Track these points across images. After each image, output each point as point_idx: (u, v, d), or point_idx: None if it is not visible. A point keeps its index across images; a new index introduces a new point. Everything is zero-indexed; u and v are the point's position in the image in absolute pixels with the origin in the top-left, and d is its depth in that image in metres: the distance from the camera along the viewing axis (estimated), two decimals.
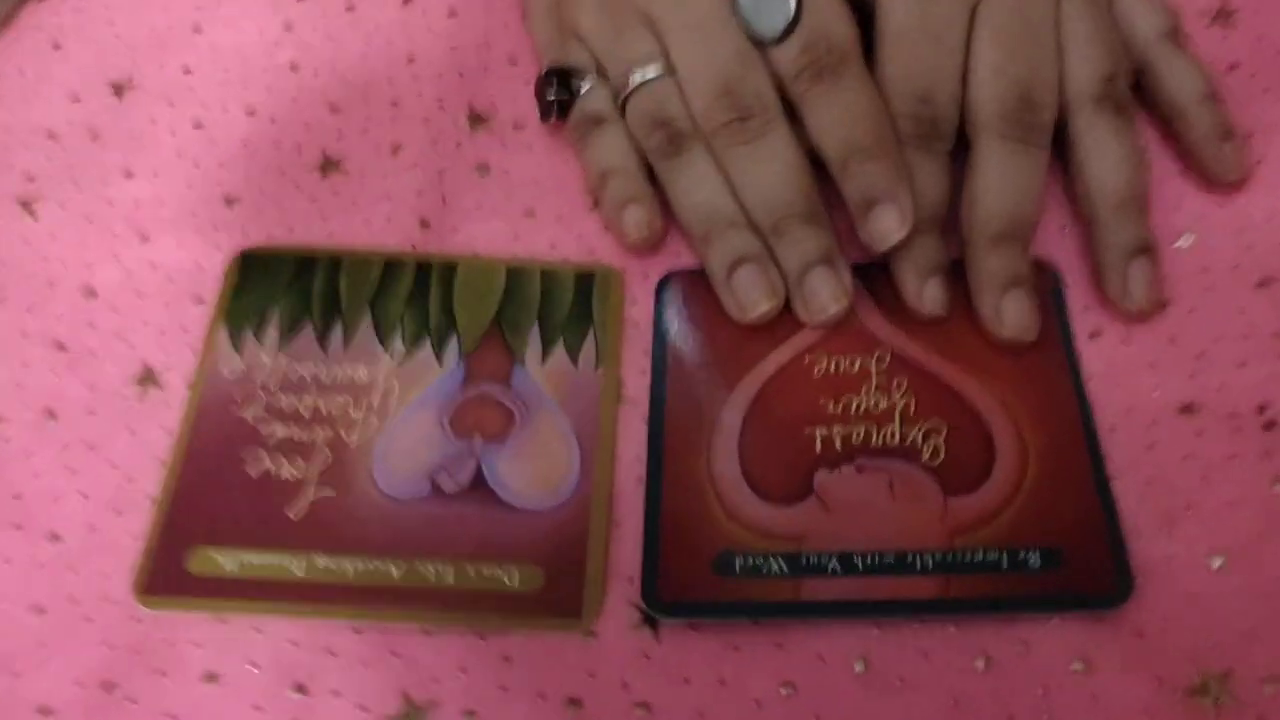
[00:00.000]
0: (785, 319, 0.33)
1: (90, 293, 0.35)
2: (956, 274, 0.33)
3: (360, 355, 0.33)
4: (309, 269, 0.35)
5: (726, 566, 0.28)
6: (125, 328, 0.34)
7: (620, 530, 0.30)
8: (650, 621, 0.28)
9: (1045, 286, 0.33)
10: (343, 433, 0.31)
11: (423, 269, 0.35)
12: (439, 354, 0.33)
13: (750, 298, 0.32)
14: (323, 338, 0.34)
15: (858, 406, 0.31)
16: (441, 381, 0.32)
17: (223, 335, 0.34)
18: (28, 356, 0.34)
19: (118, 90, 0.39)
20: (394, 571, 0.29)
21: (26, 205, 0.37)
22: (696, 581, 0.28)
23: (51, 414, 0.33)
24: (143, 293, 0.35)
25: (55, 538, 0.30)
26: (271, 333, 0.34)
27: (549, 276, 0.34)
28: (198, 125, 0.38)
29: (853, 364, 0.32)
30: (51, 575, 0.30)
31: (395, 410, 0.32)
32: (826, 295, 0.32)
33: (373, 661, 0.28)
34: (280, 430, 0.32)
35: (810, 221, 0.32)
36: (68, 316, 0.34)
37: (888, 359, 0.32)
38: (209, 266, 0.35)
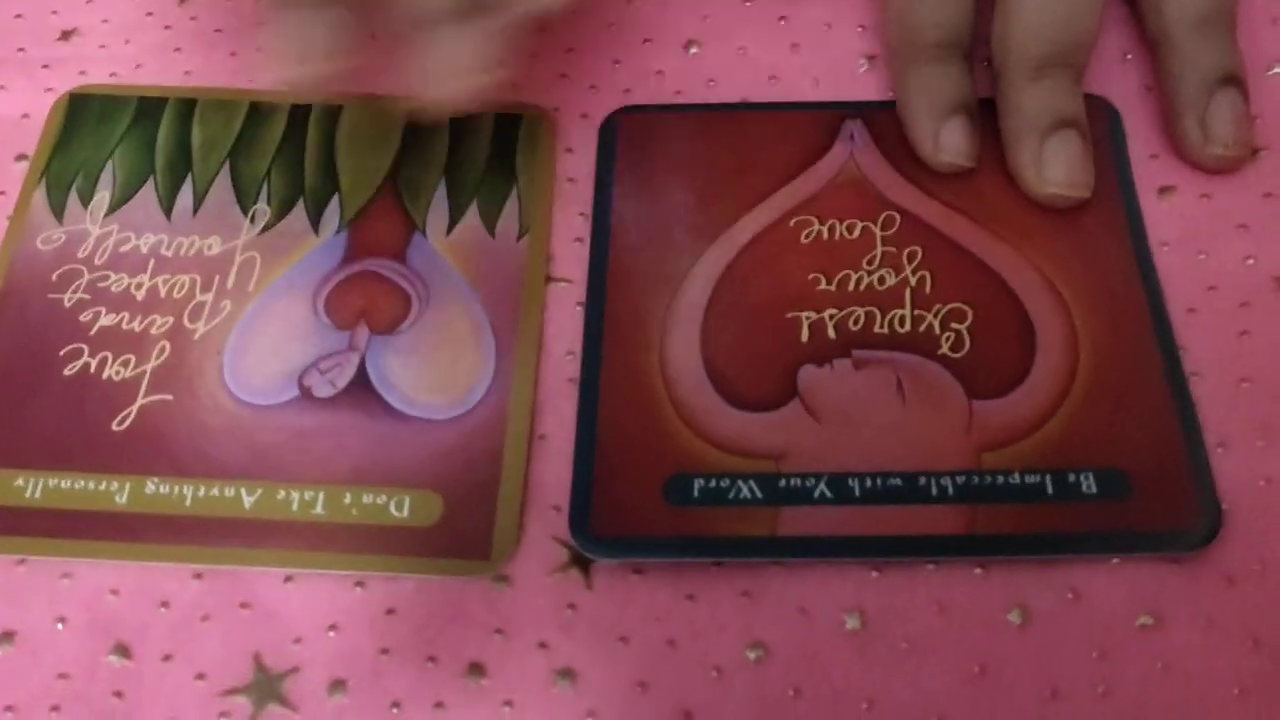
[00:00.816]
0: (763, 171, 0.26)
1: None
2: (986, 115, 0.25)
3: (213, 222, 0.26)
4: (153, 114, 0.27)
5: (682, 492, 0.22)
6: None
7: (547, 445, 0.23)
8: (581, 563, 0.22)
9: (1101, 129, 0.26)
10: (186, 321, 0.24)
11: (298, 113, 0.27)
12: (315, 221, 0.26)
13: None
14: (166, 201, 0.26)
15: (857, 283, 0.24)
16: (316, 255, 0.25)
17: (39, 198, 0.26)
18: None
19: None
20: (245, 499, 0.22)
21: None
22: (643, 511, 0.21)
23: None
24: None
25: None
26: (102, 195, 0.26)
27: (461, 122, 0.27)
28: None
29: (851, 229, 0.25)
30: None
31: (255, 292, 0.25)
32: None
33: (216, 616, 0.22)
34: (106, 318, 0.24)
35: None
36: None
37: (897, 223, 0.25)
38: (37, 114, 0.28)
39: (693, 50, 0.28)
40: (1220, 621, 0.20)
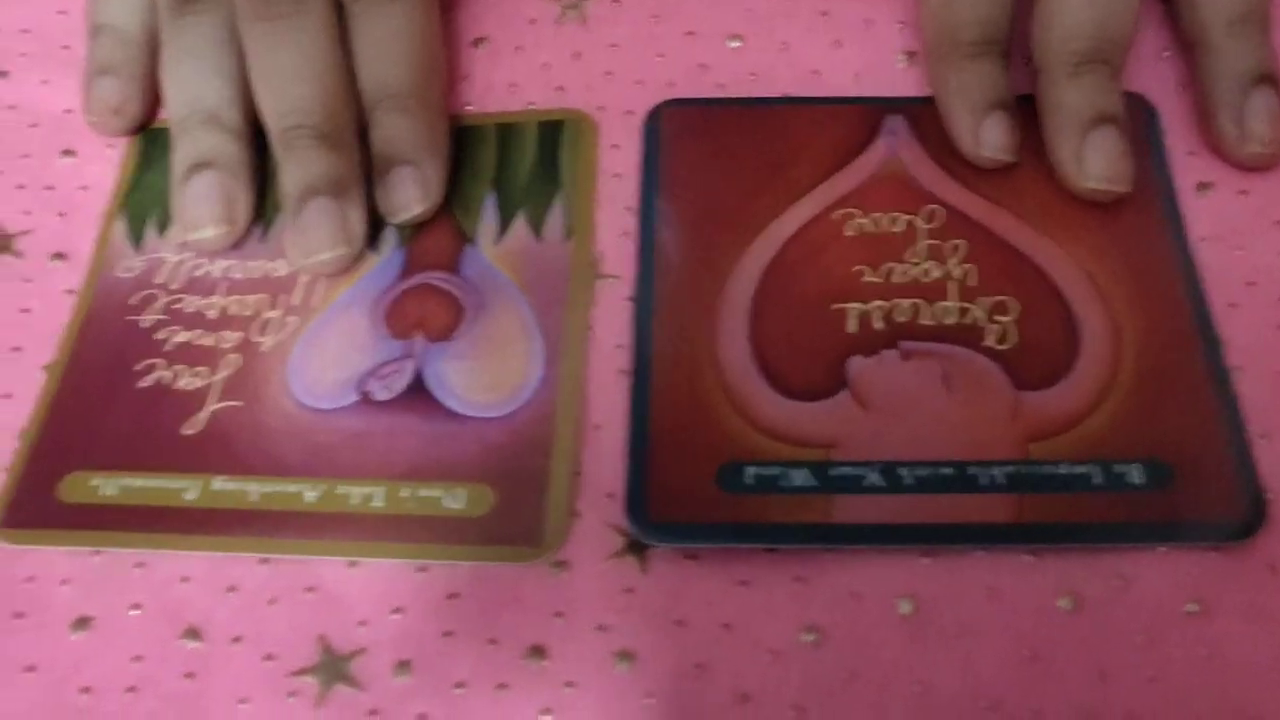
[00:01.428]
0: (806, 164, 0.26)
1: None
2: (1026, 111, 0.26)
3: (281, 247, 0.26)
4: None
5: (735, 479, 0.22)
6: None
7: (600, 435, 0.23)
8: (636, 548, 0.22)
9: (1139, 126, 0.26)
10: (255, 336, 0.25)
11: None
12: (373, 240, 0.26)
13: (199, 214, 0.26)
14: None
15: (902, 275, 0.24)
16: (375, 273, 0.26)
17: (120, 230, 0.27)
18: None
19: None
20: (308, 494, 0.23)
21: None
22: (696, 497, 0.22)
23: None
24: None
25: None
26: (177, 226, 0.27)
27: (507, 132, 0.27)
28: None
29: (894, 222, 0.25)
30: None
31: (319, 307, 0.25)
32: (323, 234, 0.25)
33: (283, 599, 0.22)
34: (181, 335, 0.25)
35: (325, 140, 0.25)
36: None
37: (940, 216, 0.25)
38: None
39: (735, 44, 0.28)
40: (1265, 609, 0.20)
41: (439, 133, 0.26)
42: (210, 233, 0.26)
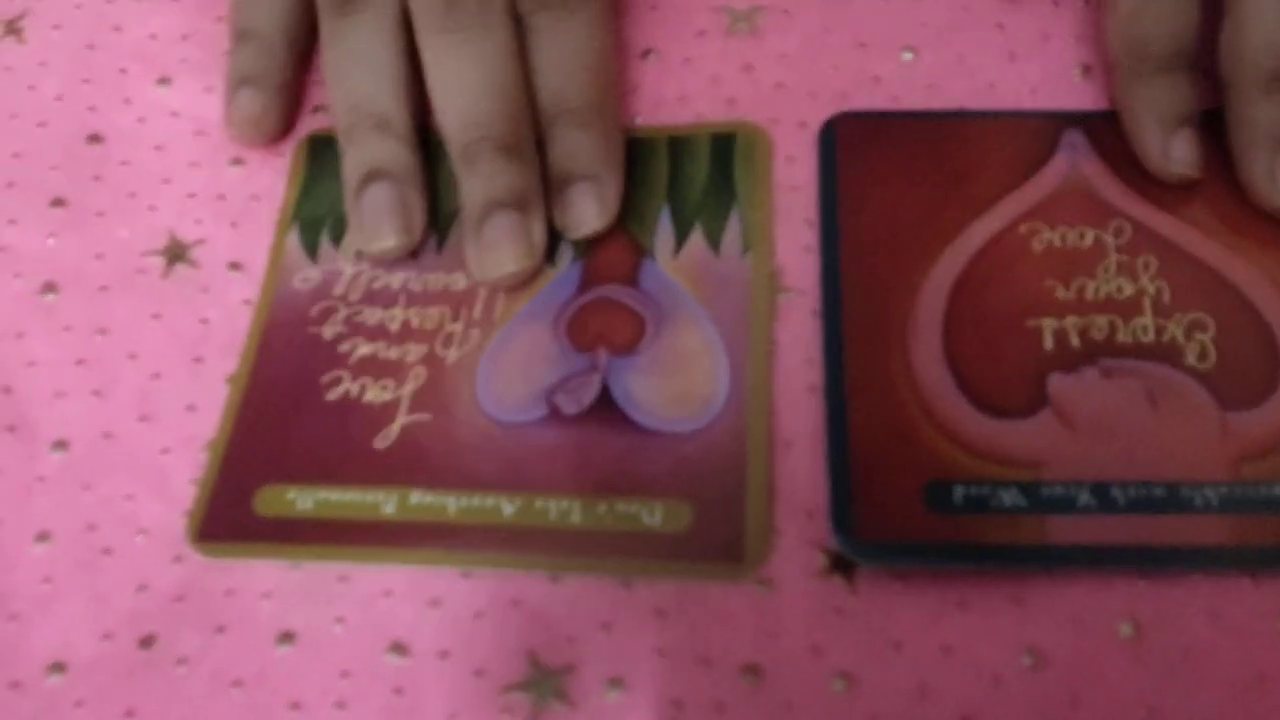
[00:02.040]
0: (987, 178, 0.26)
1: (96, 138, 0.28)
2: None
3: (457, 259, 0.26)
4: None
5: (942, 498, 0.22)
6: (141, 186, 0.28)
7: (792, 452, 0.23)
8: (842, 567, 0.22)
9: None
10: (439, 349, 0.25)
11: None
12: (550, 253, 0.26)
13: (378, 225, 0.25)
14: None
15: (1095, 292, 0.24)
16: (553, 286, 0.26)
17: (294, 240, 0.27)
18: (18, 213, 0.27)
19: None
20: (506, 508, 0.23)
21: (11, 26, 0.30)
22: (904, 516, 0.22)
23: (53, 287, 0.26)
24: (163, 146, 0.28)
25: (61, 445, 0.24)
26: (355, 235, 0.27)
27: (679, 145, 0.27)
28: None
29: (1082, 237, 0.25)
30: (58, 492, 0.24)
31: (501, 321, 0.25)
32: (507, 248, 0.25)
33: (488, 613, 0.22)
34: (364, 348, 0.25)
35: (508, 154, 0.25)
36: (66, 166, 0.28)
37: (1128, 232, 0.25)
38: None
39: (909, 56, 0.28)
40: None
41: (616, 147, 0.26)
42: (391, 243, 0.26)
